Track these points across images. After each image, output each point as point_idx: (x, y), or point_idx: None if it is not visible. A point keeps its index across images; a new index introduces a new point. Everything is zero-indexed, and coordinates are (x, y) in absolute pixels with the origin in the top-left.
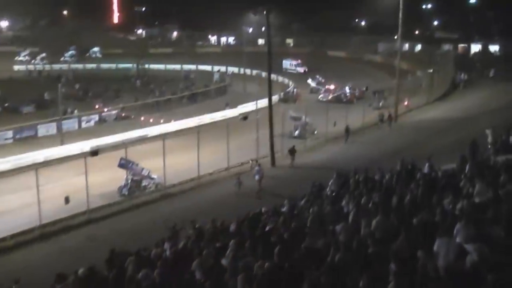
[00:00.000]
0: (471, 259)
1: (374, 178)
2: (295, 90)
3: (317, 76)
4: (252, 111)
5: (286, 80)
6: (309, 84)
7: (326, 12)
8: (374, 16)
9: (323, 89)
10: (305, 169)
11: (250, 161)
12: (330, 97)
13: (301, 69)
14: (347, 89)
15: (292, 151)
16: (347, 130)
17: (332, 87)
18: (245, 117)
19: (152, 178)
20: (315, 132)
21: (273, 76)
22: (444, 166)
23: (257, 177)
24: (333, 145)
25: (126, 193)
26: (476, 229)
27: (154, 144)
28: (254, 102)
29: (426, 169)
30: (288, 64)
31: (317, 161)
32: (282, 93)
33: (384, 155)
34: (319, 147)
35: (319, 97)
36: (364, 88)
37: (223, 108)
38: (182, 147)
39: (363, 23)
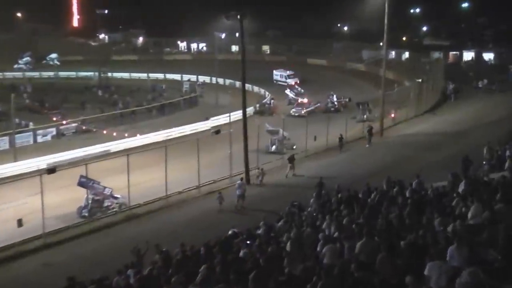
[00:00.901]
0: (464, 283)
1: (358, 197)
2: (272, 101)
3: (296, 86)
4: (225, 125)
5: (262, 91)
6: (287, 95)
7: (305, 18)
8: (357, 21)
9: (295, 103)
10: (282, 187)
11: (256, 170)
12: (303, 111)
13: (292, 81)
14: (334, 98)
15: (291, 159)
16: (341, 139)
17: (305, 100)
18: (217, 131)
19: (116, 198)
20: (294, 147)
21: (248, 86)
22: (435, 184)
23: (238, 191)
24: (313, 161)
25: (87, 214)
26: (470, 252)
27: (118, 161)
28: (227, 115)
29: (414, 187)
30: (278, 75)
31: (296, 178)
32: (257, 105)
33: (369, 172)
34: (298, 164)
35: (291, 111)
36: (347, 99)
37: (200, 121)
38: (149, 164)
39: (345, 28)
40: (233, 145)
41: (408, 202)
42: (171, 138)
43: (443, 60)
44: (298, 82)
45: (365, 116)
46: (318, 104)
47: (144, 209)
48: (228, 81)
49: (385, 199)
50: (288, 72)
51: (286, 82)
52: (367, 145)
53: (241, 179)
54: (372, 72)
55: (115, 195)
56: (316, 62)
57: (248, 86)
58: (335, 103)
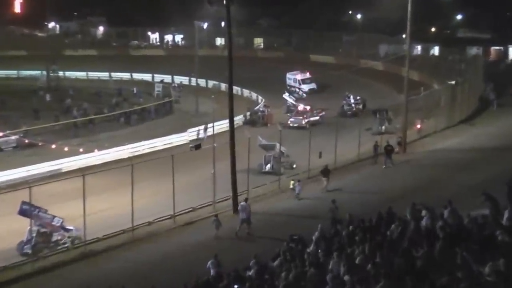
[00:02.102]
0: None
1: (375, 229)
2: (266, 109)
3: (297, 89)
4: (207, 138)
5: (254, 95)
6: (285, 101)
7: (308, 3)
8: (373, 8)
9: (294, 111)
10: (280, 216)
11: (292, 182)
12: (304, 122)
13: (306, 87)
14: (351, 99)
15: (326, 172)
16: (376, 148)
17: (307, 108)
18: (197, 145)
19: (67, 230)
20: (294, 166)
21: (236, 89)
22: (472, 213)
23: (242, 215)
24: (319, 184)
25: (30, 251)
26: None
27: (71, 183)
28: (210, 125)
29: (446, 216)
30: (292, 79)
31: (297, 206)
32: (248, 113)
33: (388, 198)
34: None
35: (289, 121)
36: (360, 106)
37: (176, 132)
38: (110, 187)
39: (358, 17)
40: (217, 163)
41: (438, 236)
42: (139, 155)
43: (482, 57)
44: (315, 88)
45: (383, 127)
46: (323, 113)
47: (103, 245)
48: (211, 83)
49: (409, 231)
50: (302, 75)
51: (300, 88)
52: (383, 166)
53: (245, 199)
54: (392, 71)
55: (67, 227)
56: (322, 59)
57: (236, 90)
58: (353, 105)
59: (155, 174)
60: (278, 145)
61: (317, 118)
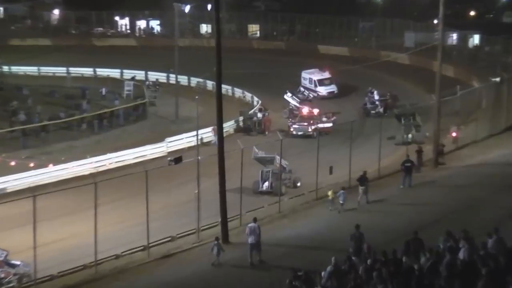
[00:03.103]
0: None
1: (399, 263)
2: (263, 113)
3: (301, 89)
4: (191, 148)
5: (248, 96)
6: (288, 103)
7: None
8: None
9: (296, 116)
10: (283, 246)
11: (330, 192)
12: (310, 129)
13: (324, 90)
14: (375, 95)
15: (363, 180)
16: (441, 151)
17: (315, 111)
18: (177, 158)
19: (13, 266)
20: (298, 184)
21: (226, 88)
22: None
23: (251, 239)
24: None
25: None
26: None
27: (18, 206)
28: (193, 133)
29: (490, 246)
30: (307, 79)
31: (304, 234)
32: (241, 118)
33: (416, 225)
34: (306, 211)
35: (292, 128)
36: (391, 96)
37: (152, 143)
38: (68, 211)
39: None
40: (203, 181)
41: (480, 271)
42: (104, 171)
43: None
44: (335, 92)
45: (409, 135)
46: (334, 118)
47: (58, 284)
48: (194, 80)
49: (443, 266)
50: (318, 74)
51: (316, 91)
52: (401, 186)
53: (254, 220)
54: (420, 66)
55: (12, 262)
56: (333, 51)
57: (226, 89)
58: (377, 103)
59: (124, 194)
60: (278, 158)
61: (328, 125)
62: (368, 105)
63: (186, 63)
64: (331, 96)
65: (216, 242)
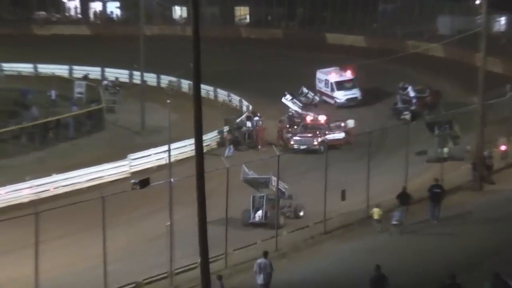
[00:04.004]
0: None
1: None
2: (256, 121)
3: (304, 90)
4: (160, 167)
5: (236, 99)
6: (287, 108)
7: None
8: None
9: (297, 126)
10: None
11: (376, 210)
12: (316, 142)
13: (343, 96)
14: (410, 91)
15: (404, 198)
16: (490, 167)
17: (322, 119)
18: (143, 181)
19: None
20: (301, 213)
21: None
22: None
23: (260, 279)
24: (344, 243)
25: None
26: None
27: None
28: (163, 149)
29: None
30: (323, 81)
31: (308, 279)
32: (226, 128)
33: (453, 265)
34: (311, 249)
35: (292, 141)
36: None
37: (112, 160)
38: (1, 250)
39: None
40: (177, 209)
41: None
42: (49, 197)
43: None
44: (358, 97)
45: (445, 149)
46: (348, 126)
47: None
48: (165, 80)
49: None
50: (337, 75)
51: (333, 97)
52: (434, 221)
53: (265, 254)
54: (458, 59)
55: None
56: (345, 40)
57: (207, 91)
58: (413, 100)
59: (75, 228)
60: (274, 179)
61: (339, 136)
62: (400, 105)
63: (155, 57)
64: (352, 104)
65: (219, 282)
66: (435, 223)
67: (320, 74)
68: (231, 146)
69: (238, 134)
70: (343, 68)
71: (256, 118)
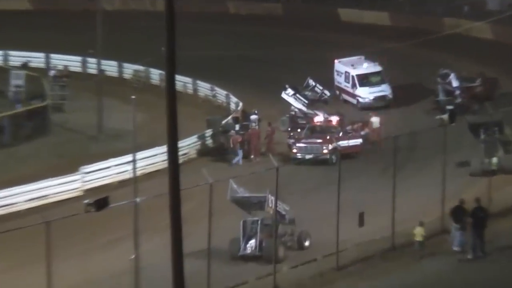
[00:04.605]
0: None
1: None
2: (254, 121)
3: (311, 82)
4: (122, 184)
5: (221, 95)
6: (290, 106)
7: None
8: None
9: (302, 128)
10: None
11: (419, 229)
12: (325, 149)
13: (369, 93)
14: (453, 80)
15: (459, 214)
16: None
17: (333, 119)
18: (100, 201)
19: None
20: (306, 243)
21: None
22: None
23: None
24: (363, 282)
25: None
26: None
27: None
28: (127, 159)
29: None
30: (343, 74)
31: None
32: (208, 132)
33: None
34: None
35: (294, 148)
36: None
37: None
38: None
39: None
40: (145, 238)
41: None
42: None
43: None
44: (388, 96)
45: (494, 159)
46: (363, 132)
47: None
48: (130, 69)
49: None
50: (360, 66)
51: (355, 96)
52: (468, 256)
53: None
54: (510, 42)
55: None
56: (364, 17)
57: (184, 83)
58: (457, 91)
59: (11, 262)
60: (271, 199)
61: (355, 142)
62: (441, 97)
63: (117, 40)
64: (380, 104)
65: None
66: (480, 256)
67: (339, 66)
68: (241, 151)
69: (224, 139)
70: (372, 56)
71: (254, 116)
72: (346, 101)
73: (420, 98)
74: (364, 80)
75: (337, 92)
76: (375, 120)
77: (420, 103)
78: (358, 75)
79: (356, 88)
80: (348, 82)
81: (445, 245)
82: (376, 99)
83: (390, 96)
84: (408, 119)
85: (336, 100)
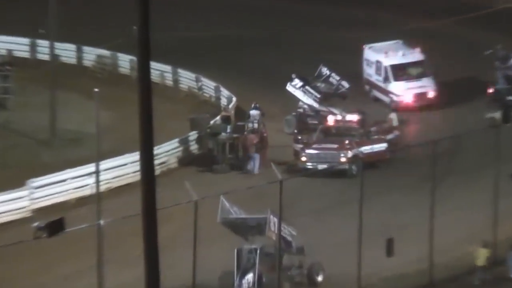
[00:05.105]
0: None
1: None
2: (254, 119)
3: (324, 70)
4: (82, 202)
5: (209, 87)
6: (299, 103)
7: None
8: None
9: (313, 130)
10: None
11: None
12: (343, 157)
13: (406, 90)
14: None
15: None
16: None
17: (351, 119)
18: (52, 224)
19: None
20: (319, 277)
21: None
22: None
23: None
24: None
25: None
26: None
27: None
28: (88, 170)
29: None
30: (373, 64)
31: None
32: (192, 135)
33: None
34: None
35: (303, 155)
36: None
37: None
38: None
39: None
40: (112, 270)
41: None
42: None
43: None
44: (430, 92)
45: None
46: (393, 135)
47: None
48: (91, 54)
49: None
50: (396, 55)
51: (388, 92)
52: None
53: None
54: None
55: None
56: None
57: (161, 72)
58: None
59: None
60: (273, 221)
61: (380, 147)
62: (500, 85)
63: (75, 18)
64: (422, 104)
65: None
66: None
67: (369, 53)
68: (258, 156)
69: (213, 144)
70: (411, 41)
71: (254, 112)
72: (377, 99)
73: (467, 91)
74: (401, 72)
75: (367, 88)
76: (393, 117)
77: (468, 97)
78: (392, 66)
79: (390, 82)
80: (380, 74)
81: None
82: (417, 97)
83: (434, 93)
84: (451, 118)
85: (363, 97)
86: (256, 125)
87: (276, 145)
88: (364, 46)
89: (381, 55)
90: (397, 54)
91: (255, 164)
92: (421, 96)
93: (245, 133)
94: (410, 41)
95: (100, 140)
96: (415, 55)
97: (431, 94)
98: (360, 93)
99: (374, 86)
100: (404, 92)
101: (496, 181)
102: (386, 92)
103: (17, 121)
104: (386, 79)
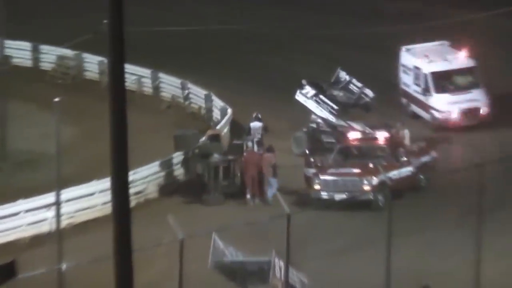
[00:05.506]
0: None
1: None
2: (256, 133)
3: (343, 75)
4: (38, 241)
5: (198, 96)
6: (310, 114)
7: None
8: None
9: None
10: None
11: None
12: (367, 185)
13: (451, 103)
14: None
15: None
16: None
17: (378, 136)
18: (2, 269)
19: None
20: None
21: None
22: None
23: None
24: None
25: None
26: None
27: None
28: (46, 200)
29: None
30: (411, 69)
31: None
32: (178, 157)
33: None
34: None
35: (316, 182)
36: None
37: None
38: None
39: None
40: None
41: None
42: None
43: None
44: (482, 108)
45: None
46: (429, 157)
47: None
48: (50, 55)
49: None
50: (440, 60)
51: (428, 107)
52: None
53: None
54: None
55: None
56: None
57: (139, 76)
58: None
59: None
60: (278, 264)
61: (407, 171)
62: None
63: (31, 9)
64: (471, 123)
65: None
66: None
67: (407, 56)
68: (275, 180)
69: (203, 169)
70: (458, 43)
71: (256, 124)
72: (416, 116)
73: None
74: (445, 81)
75: (404, 101)
76: (405, 133)
77: None
78: (433, 74)
79: (430, 94)
80: (419, 85)
81: None
82: (466, 114)
83: (486, 109)
84: (502, 138)
85: (398, 112)
86: (255, 140)
87: (283, 169)
88: (402, 48)
89: (421, 60)
90: (440, 59)
91: (272, 189)
92: (470, 112)
93: (245, 152)
94: (457, 41)
95: (61, 162)
96: (464, 60)
97: (483, 110)
98: (395, 107)
99: (412, 99)
100: (448, 107)
101: None
102: (426, 107)
103: None
104: (426, 91)
